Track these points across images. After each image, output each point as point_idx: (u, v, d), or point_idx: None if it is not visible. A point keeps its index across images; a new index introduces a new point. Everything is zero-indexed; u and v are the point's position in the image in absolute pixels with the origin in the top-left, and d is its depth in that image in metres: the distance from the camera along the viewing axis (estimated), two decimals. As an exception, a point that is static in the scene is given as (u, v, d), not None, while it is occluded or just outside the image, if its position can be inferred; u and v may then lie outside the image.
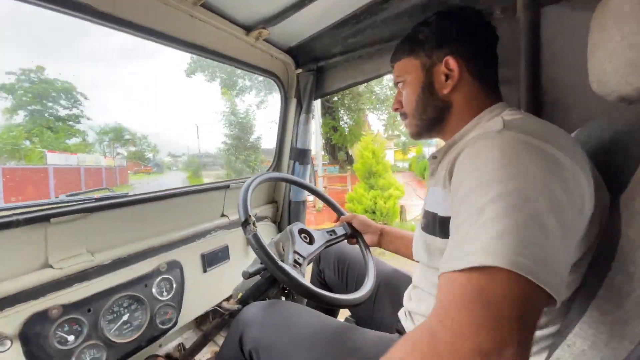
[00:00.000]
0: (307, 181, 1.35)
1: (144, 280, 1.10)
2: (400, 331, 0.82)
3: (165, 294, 1.16)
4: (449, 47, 0.67)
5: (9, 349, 0.77)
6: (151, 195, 1.16)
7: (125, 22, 0.90)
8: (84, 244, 0.97)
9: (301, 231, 1.08)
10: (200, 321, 1.62)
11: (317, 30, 1.41)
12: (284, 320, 0.79)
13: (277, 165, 1.80)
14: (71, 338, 0.90)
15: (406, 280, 0.99)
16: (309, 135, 1.68)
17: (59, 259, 0.91)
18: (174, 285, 1.20)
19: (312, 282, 1.31)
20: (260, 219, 1.74)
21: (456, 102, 0.68)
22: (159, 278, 1.15)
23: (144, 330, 1.06)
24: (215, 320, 1.55)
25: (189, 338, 1.57)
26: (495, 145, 0.45)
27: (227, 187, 1.49)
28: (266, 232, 1.78)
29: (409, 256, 0.97)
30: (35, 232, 0.86)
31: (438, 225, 0.63)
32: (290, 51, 1.56)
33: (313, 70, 1.60)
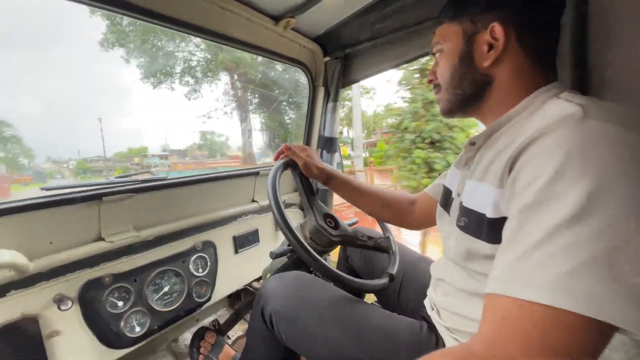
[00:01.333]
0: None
1: (182, 256, 1.20)
2: (426, 318, 0.82)
3: (200, 270, 1.26)
4: (498, 12, 0.57)
5: (69, 308, 0.89)
6: (188, 179, 1.26)
7: (159, 15, 0.97)
8: (130, 221, 1.08)
9: (326, 215, 1.11)
10: (232, 300, 1.73)
11: (344, 17, 1.41)
12: (306, 293, 0.79)
13: (305, 153, 1.84)
14: (120, 303, 1.01)
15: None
16: (336, 123, 1.70)
17: (110, 234, 1.02)
18: (209, 263, 1.29)
19: (338, 267, 1.34)
20: (288, 205, 1.80)
21: (499, 78, 0.59)
22: (195, 256, 1.25)
23: (182, 302, 1.16)
24: (245, 299, 1.65)
25: (223, 315, 1.69)
26: (577, 139, 0.36)
27: (257, 173, 1.55)
28: (294, 219, 1.84)
29: (360, 205, 1.02)
30: (90, 209, 0.97)
31: (486, 228, 0.52)
32: (317, 39, 1.57)
33: (340, 58, 1.61)
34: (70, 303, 0.88)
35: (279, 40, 1.41)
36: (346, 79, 1.65)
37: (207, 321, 1.59)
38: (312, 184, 1.19)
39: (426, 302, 0.83)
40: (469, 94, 0.63)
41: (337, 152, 1.76)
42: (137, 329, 1.03)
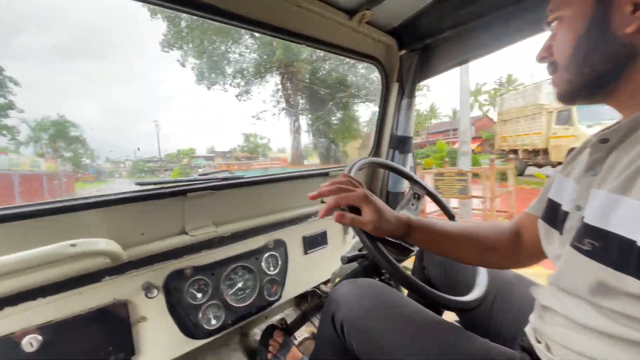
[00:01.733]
0: (409, 170, 1.26)
1: (255, 254, 1.22)
2: (527, 349, 0.68)
3: (272, 268, 1.27)
4: None
5: (155, 296, 0.95)
6: (262, 178, 1.28)
7: (233, 15, 0.99)
8: (210, 217, 1.13)
9: None
10: (299, 301, 1.72)
11: (423, 5, 1.29)
12: (381, 303, 0.74)
13: (375, 153, 1.75)
14: (199, 295, 1.06)
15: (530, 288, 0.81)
16: (411, 121, 1.58)
17: (192, 228, 1.07)
18: (279, 262, 1.29)
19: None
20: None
21: None
22: (267, 254, 1.26)
23: (254, 299, 1.18)
24: (313, 302, 1.63)
25: (290, 315, 1.69)
26: None
27: (327, 174, 1.52)
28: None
29: (457, 256, 0.78)
30: (176, 204, 1.03)
31: (636, 260, 0.39)
32: (393, 32, 1.48)
33: (418, 50, 1.49)
34: (156, 291, 0.94)
35: (352, 35, 1.36)
36: (424, 72, 1.52)
37: (275, 319, 1.61)
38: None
39: (528, 330, 0.68)
40: (602, 72, 0.49)
41: (411, 153, 1.64)
42: (213, 321, 1.07)
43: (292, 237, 1.39)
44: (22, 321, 0.76)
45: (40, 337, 0.77)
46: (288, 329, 1.45)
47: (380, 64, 1.55)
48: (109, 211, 0.91)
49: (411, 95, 1.54)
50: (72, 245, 0.72)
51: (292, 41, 1.17)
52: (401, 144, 1.59)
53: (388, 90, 1.60)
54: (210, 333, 1.06)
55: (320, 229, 1.52)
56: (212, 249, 1.11)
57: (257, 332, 1.53)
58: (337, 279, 1.32)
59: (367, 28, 1.37)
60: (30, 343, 0.75)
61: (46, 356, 0.78)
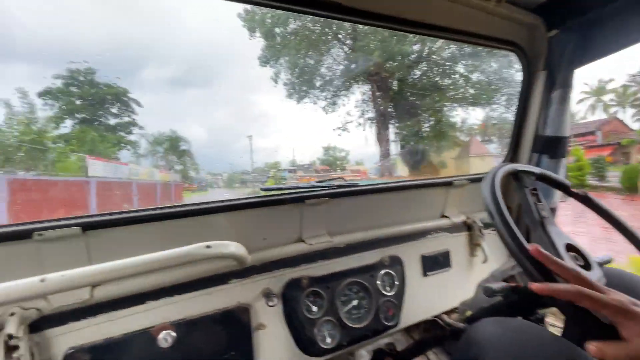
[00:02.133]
0: (564, 180, 0.96)
1: (370, 270, 1.11)
2: None
3: (388, 289, 1.13)
4: None
5: (275, 305, 0.92)
6: (376, 186, 1.17)
7: (360, 12, 0.93)
8: (325, 225, 1.07)
9: (569, 247, 0.76)
10: (411, 327, 1.52)
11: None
12: (546, 355, 0.58)
13: (512, 158, 1.45)
14: (315, 309, 1.00)
15: None
16: (567, 117, 1.24)
17: (309, 236, 1.04)
18: (396, 282, 1.14)
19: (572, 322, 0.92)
20: (487, 226, 1.44)
21: None
22: (383, 271, 1.13)
23: (370, 321, 1.06)
24: (432, 332, 1.40)
25: (399, 341, 1.50)
26: None
27: (450, 184, 1.31)
28: (493, 244, 1.46)
29: None
30: (295, 211, 1.01)
31: None
32: (539, 9, 1.20)
33: (574, 29, 1.17)
34: (275, 299, 0.92)
35: (486, 19, 1.15)
36: (585, 55, 1.19)
37: (381, 342, 1.44)
38: (540, 195, 0.85)
39: None
40: None
41: (564, 158, 1.28)
42: (328, 339, 0.99)
43: (409, 255, 1.22)
44: (160, 316, 0.83)
45: (174, 334, 0.81)
46: (398, 357, 1.28)
47: (522, 50, 1.28)
48: (235, 215, 0.94)
49: (566, 85, 1.21)
50: (208, 247, 0.74)
51: (418, 33, 1.06)
52: (551, 146, 1.26)
53: (531, 81, 1.30)
54: (324, 352, 0.99)
55: (442, 248, 1.30)
56: (327, 260, 1.05)
57: (363, 355, 1.40)
58: (468, 312, 1.09)
59: (506, 8, 1.14)
60: (165, 339, 0.80)
61: (178, 353, 0.82)
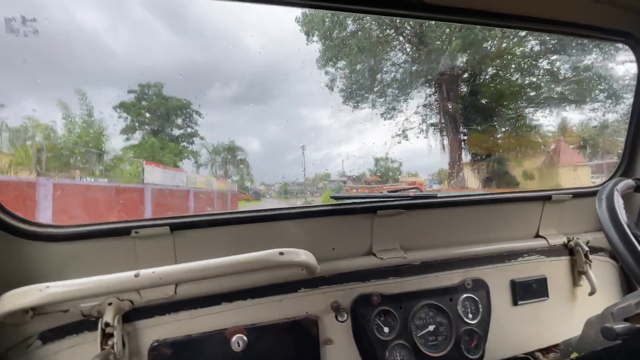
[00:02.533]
0: None
1: (449, 292, 0.99)
2: None
3: (470, 316, 0.99)
4: None
5: (345, 320, 0.87)
6: (457, 199, 1.05)
7: (450, 9, 0.85)
8: (398, 239, 0.99)
9: None
10: None
11: None
12: None
13: (626, 170, 1.18)
14: (386, 330, 0.92)
15: None
16: None
17: (380, 250, 0.97)
18: (480, 309, 1.00)
19: None
20: (594, 250, 1.20)
21: None
22: (464, 295, 0.99)
23: (449, 350, 0.93)
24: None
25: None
26: None
27: (548, 198, 1.12)
28: (604, 273, 1.20)
29: None
30: (365, 221, 0.96)
31: None
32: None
33: None
34: (346, 315, 0.87)
35: (593, 8, 0.97)
36: None
37: None
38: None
39: None
40: None
41: None
42: (401, 366, 0.90)
43: (496, 279, 1.06)
44: (234, 318, 0.84)
45: (245, 339, 0.81)
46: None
47: (635, 40, 1.04)
48: (305, 223, 0.92)
49: None
50: (281, 253, 0.73)
51: (515, 27, 0.93)
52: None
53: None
54: None
55: (537, 274, 1.11)
56: (400, 278, 0.96)
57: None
58: (574, 354, 0.91)
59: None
60: (238, 342, 0.81)
61: (249, 357, 0.82)
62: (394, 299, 0.94)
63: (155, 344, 0.78)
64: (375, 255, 0.95)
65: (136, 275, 0.65)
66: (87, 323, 0.75)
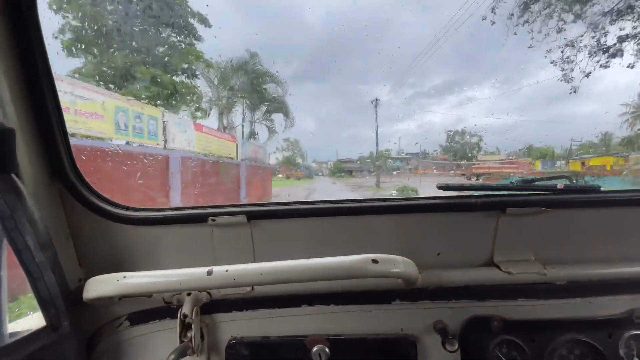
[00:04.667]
0: None
1: (608, 326, 0.70)
2: None
3: (641, 363, 0.69)
4: None
5: (456, 351, 0.67)
6: (633, 196, 0.71)
7: None
8: (533, 248, 0.73)
9: None
10: None
11: None
12: None
13: None
14: (510, 366, 0.69)
15: None
16: None
17: (506, 260, 0.72)
18: (658, 357, 0.69)
19: None
20: None
21: None
22: (631, 333, 0.69)
23: None
24: None
25: None
26: None
27: None
28: None
29: None
30: (487, 221, 0.72)
31: None
32: None
33: None
34: (456, 344, 0.67)
35: None
36: None
37: None
38: None
39: None
40: None
41: None
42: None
43: None
44: (315, 324, 0.73)
45: (328, 351, 0.70)
46: None
47: None
48: (403, 218, 0.73)
49: None
50: (374, 261, 0.56)
51: None
52: None
53: None
54: None
55: None
56: (535, 300, 0.72)
57: None
58: None
59: None
60: (320, 355, 0.69)
61: None
62: (523, 328, 0.70)
63: (233, 341, 0.72)
64: (498, 267, 0.72)
65: (209, 273, 0.57)
66: (169, 310, 0.73)
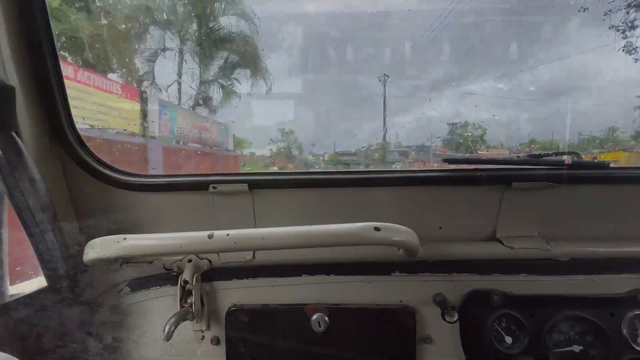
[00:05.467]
0: None
1: (611, 305, 0.69)
2: None
3: (642, 342, 0.68)
4: None
5: (455, 322, 0.67)
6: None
7: None
8: (536, 223, 0.72)
9: None
10: None
11: None
12: None
13: None
14: (508, 340, 0.69)
15: None
16: None
17: (509, 235, 0.71)
18: (661, 336, 0.68)
19: None
20: None
21: None
22: (635, 312, 0.68)
23: None
24: None
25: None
26: None
27: None
28: None
29: None
30: (491, 195, 0.71)
31: None
32: None
33: None
34: (455, 315, 0.67)
35: None
36: None
37: None
38: None
39: None
40: None
41: None
42: (526, 390, 0.67)
43: None
44: (315, 293, 0.73)
45: (327, 319, 0.70)
46: None
47: None
48: (405, 191, 0.72)
49: None
50: (376, 229, 0.55)
51: None
52: None
53: None
54: None
55: None
56: (536, 276, 0.71)
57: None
58: None
59: None
60: (319, 322, 0.70)
61: (330, 342, 0.71)
62: (523, 302, 0.69)
63: (233, 308, 0.72)
64: (501, 242, 0.71)
65: (210, 237, 0.57)
66: (169, 277, 0.73)
